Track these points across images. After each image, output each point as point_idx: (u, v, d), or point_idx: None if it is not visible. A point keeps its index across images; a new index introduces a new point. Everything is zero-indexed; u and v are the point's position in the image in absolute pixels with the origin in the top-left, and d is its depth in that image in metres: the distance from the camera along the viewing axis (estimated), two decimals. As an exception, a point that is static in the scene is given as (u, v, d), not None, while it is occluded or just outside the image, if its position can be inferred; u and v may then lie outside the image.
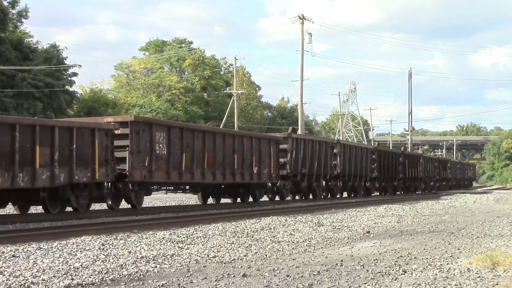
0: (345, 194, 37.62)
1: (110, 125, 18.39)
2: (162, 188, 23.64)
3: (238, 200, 26.72)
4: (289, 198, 30.72)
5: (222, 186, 25.27)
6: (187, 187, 23.61)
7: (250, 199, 26.69)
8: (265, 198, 29.13)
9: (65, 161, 16.77)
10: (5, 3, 52.48)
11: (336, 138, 39.66)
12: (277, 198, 29.44)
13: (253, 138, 25.75)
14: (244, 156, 24.46)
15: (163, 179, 20.39)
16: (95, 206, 23.51)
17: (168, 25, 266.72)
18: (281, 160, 27.89)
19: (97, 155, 17.73)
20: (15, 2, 54.46)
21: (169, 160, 20.26)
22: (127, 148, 18.74)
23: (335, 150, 33.82)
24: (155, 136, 19.65)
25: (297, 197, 31.62)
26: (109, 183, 18.61)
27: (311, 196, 31.85)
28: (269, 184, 27.35)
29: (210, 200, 26.58)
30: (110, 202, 18.93)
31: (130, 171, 18.80)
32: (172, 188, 23.70)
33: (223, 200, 27.40)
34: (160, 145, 19.88)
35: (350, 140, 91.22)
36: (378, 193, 41.76)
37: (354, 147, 36.68)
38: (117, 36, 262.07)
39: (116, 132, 18.60)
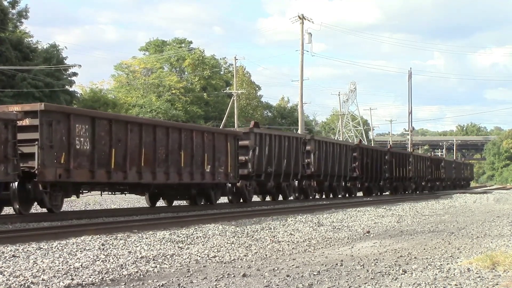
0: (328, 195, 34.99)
1: (10, 115, 15.57)
2: (96, 189, 20.21)
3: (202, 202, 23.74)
4: (258, 199, 28.98)
5: (175, 187, 22.46)
6: (127, 187, 20.63)
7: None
8: (225, 200, 26.85)
9: None
10: (5, 3, 52.51)
11: (309, 134, 35.42)
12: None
13: (204, 132, 22.63)
14: (193, 153, 21.52)
15: (85, 179, 17.60)
16: (95, 206, 23.53)
17: (167, 25, 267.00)
18: (242, 157, 24.85)
19: None
20: (15, 2, 54.51)
21: (94, 157, 17.54)
22: (37, 143, 15.99)
23: (308, 147, 30.84)
24: (75, 128, 16.95)
25: (268, 198, 29.21)
26: (14, 184, 15.95)
27: (281, 198, 29.16)
28: (229, 184, 24.45)
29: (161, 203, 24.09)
30: (18, 206, 16.31)
31: (40, 170, 16.02)
32: (107, 189, 20.44)
33: (177, 203, 24.56)
34: (82, 139, 17.20)
35: (350, 140, 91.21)
36: (362, 194, 39.27)
37: (331, 144, 33.72)
38: (116, 36, 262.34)
39: (22, 123, 15.96)
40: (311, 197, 32.01)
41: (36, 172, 16.07)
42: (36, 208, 19.44)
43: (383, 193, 42.56)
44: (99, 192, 21.02)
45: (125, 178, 18.71)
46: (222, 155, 23.26)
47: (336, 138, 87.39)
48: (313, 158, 31.05)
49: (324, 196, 34.28)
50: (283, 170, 27.78)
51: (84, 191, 19.46)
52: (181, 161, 20.90)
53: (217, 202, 24.63)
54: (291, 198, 30.19)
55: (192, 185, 22.44)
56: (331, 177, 33.40)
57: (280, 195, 29.07)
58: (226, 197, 26.24)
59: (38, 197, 16.72)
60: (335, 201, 30.53)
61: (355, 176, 36.87)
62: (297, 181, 30.44)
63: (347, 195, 36.70)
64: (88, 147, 17.45)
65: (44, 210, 20.30)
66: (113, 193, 21.33)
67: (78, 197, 19.54)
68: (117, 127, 18.38)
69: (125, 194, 22.07)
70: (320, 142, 32.35)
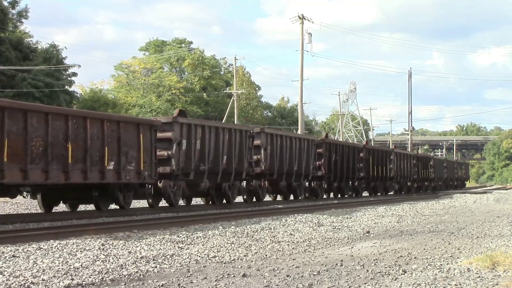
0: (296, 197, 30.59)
1: None
2: None
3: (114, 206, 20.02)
4: (203, 202, 25.54)
5: (72, 189, 18.60)
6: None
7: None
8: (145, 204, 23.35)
9: None
10: (5, 3, 52.53)
11: (260, 127, 29.89)
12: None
13: (105, 121, 18.28)
14: (87, 146, 17.37)
15: None
16: (93, 206, 23.48)
17: (166, 25, 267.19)
18: (163, 153, 20.77)
19: None
20: (15, 2, 54.55)
21: None
22: None
23: (257, 142, 26.37)
24: None
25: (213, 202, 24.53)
26: None
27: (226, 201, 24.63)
28: (148, 185, 20.60)
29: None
30: None
31: None
32: None
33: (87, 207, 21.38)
34: None
35: (350, 140, 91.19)
36: (333, 195, 35.30)
37: (288, 138, 29.20)
38: (115, 36, 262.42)
39: None
40: (273, 199, 29.53)
41: None
42: (36, 208, 19.47)
43: (358, 194, 38.18)
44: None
45: None
46: (132, 149, 19.23)
47: (336, 139, 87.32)
48: (263, 154, 26.81)
49: (282, 198, 30.11)
50: (222, 169, 23.58)
51: None
52: (68, 156, 16.80)
53: (133, 207, 21.42)
54: (243, 200, 27.03)
55: (90, 186, 18.55)
56: (288, 176, 29.03)
57: (223, 197, 24.59)
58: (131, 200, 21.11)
59: None
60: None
61: (321, 175, 32.63)
62: (244, 182, 26.27)
63: (313, 197, 32.43)
64: None
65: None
66: None
67: None
68: None
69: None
70: (273, 135, 27.89)
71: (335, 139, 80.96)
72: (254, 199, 26.96)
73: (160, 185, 20.80)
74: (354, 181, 37.38)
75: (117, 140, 18.59)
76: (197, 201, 26.16)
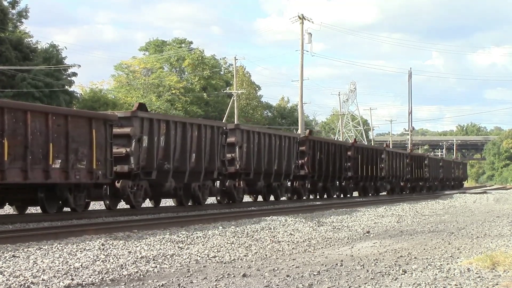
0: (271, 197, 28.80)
1: None
2: None
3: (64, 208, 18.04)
4: (177, 203, 22.78)
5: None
6: None
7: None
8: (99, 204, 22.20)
9: None
10: (5, 3, 52.54)
11: (234, 123, 26.79)
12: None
13: (50, 114, 16.30)
14: (28, 142, 15.45)
15: None
16: (95, 206, 23.53)
17: (166, 25, 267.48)
18: (121, 150, 18.99)
19: None
20: (15, 2, 54.57)
21: None
22: None
23: (231, 139, 24.53)
24: None
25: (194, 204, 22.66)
26: None
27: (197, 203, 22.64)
28: (105, 185, 18.83)
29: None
30: None
31: None
32: None
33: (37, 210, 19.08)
34: None
35: (350, 141, 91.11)
36: (318, 196, 33.53)
37: (266, 136, 27.26)
38: (115, 36, 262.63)
39: None
40: (253, 199, 28.23)
41: None
42: (35, 209, 19.45)
43: (350, 195, 36.68)
44: None
45: None
46: (82, 146, 17.36)
47: (336, 138, 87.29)
48: (238, 152, 24.90)
49: (262, 199, 28.24)
50: (190, 167, 21.73)
51: None
52: (3, 153, 14.96)
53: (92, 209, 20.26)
54: (217, 201, 25.55)
55: (35, 187, 16.66)
56: (266, 176, 27.14)
57: (195, 199, 22.71)
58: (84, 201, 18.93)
59: None
60: (334, 202, 30.35)
61: (303, 174, 30.73)
62: (216, 182, 24.49)
63: (295, 197, 30.69)
64: None
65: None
66: None
67: None
68: None
69: None
70: (250, 132, 25.94)
71: (335, 139, 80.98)
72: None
73: (118, 185, 19.03)
74: (341, 181, 35.70)
75: (65, 136, 16.75)
76: (167, 202, 24.67)
